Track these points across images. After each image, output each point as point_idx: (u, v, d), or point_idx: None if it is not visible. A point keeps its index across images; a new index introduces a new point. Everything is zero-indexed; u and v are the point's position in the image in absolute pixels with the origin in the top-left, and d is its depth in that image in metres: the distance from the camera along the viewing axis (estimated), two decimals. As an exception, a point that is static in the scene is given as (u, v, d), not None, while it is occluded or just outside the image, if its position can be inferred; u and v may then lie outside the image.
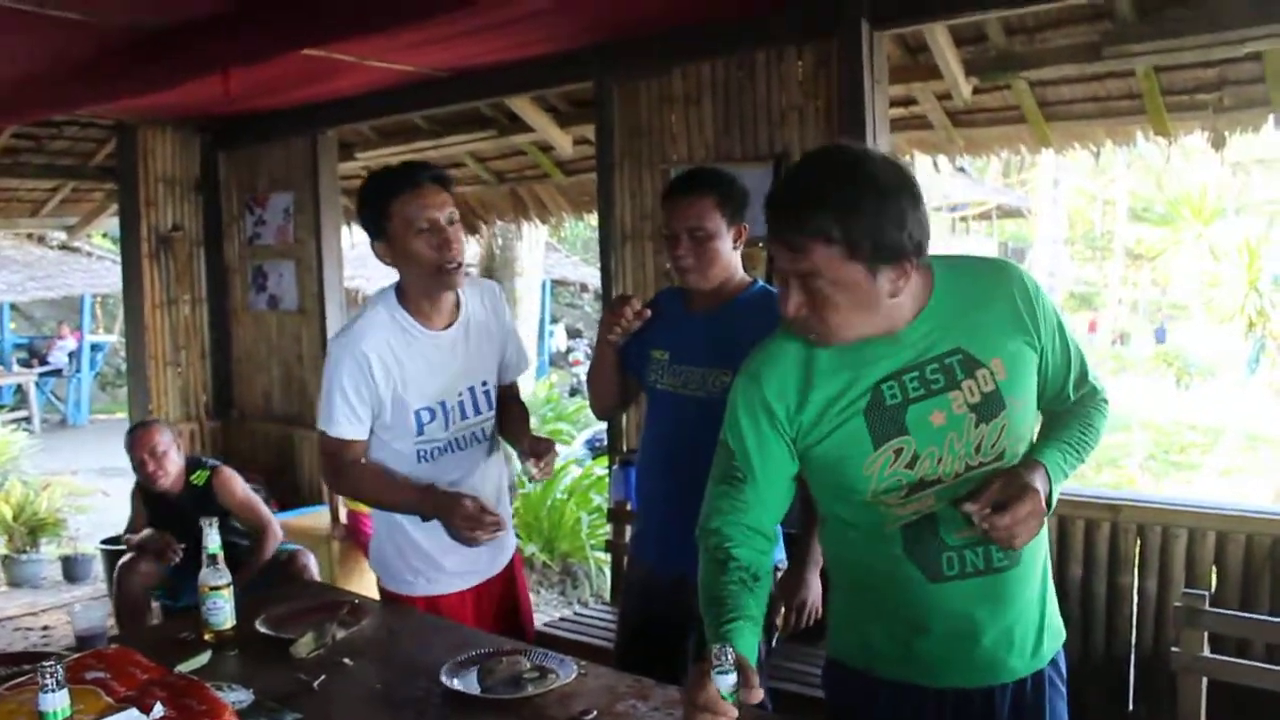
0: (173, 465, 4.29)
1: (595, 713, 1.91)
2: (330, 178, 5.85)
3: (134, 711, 1.60)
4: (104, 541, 5.94)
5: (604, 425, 5.24)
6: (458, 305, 2.59)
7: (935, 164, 5.56)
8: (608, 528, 4.57)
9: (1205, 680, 2.61)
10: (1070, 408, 1.81)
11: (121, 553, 4.58)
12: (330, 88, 5.17)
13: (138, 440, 4.32)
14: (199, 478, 4.34)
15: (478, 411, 2.62)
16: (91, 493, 8.97)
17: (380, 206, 2.42)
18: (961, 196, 20.11)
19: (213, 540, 2.35)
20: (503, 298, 2.78)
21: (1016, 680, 1.78)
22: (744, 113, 4.21)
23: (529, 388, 9.59)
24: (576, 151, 5.93)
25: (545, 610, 6.41)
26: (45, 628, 5.65)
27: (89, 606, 2.37)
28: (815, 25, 3.92)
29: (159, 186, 6.16)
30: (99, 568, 6.58)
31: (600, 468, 7.69)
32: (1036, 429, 1.81)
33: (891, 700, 1.81)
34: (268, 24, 3.51)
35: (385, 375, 2.47)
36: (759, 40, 4.11)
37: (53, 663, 1.47)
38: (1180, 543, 3.40)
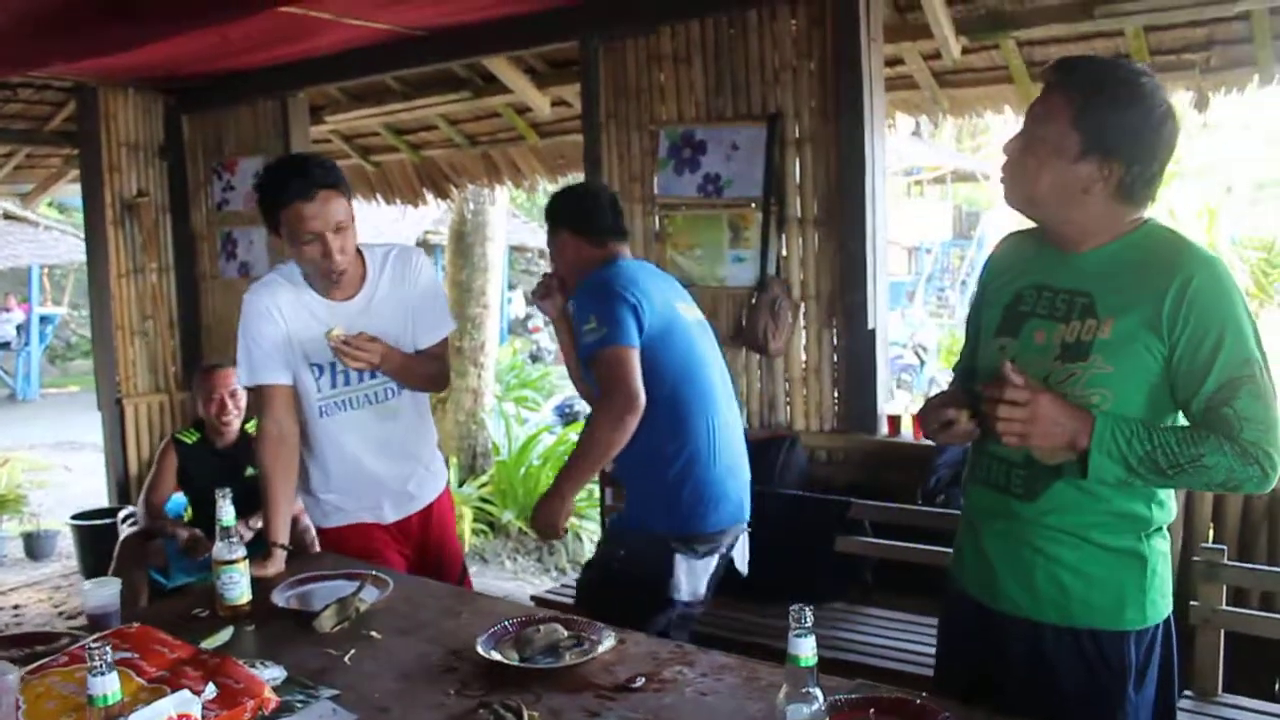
0: (243, 412, 4.19)
1: (643, 679, 1.88)
2: (303, 141, 5.70)
3: (186, 693, 1.53)
4: (74, 516, 5.79)
5: (573, 391, 5.19)
6: (363, 278, 2.71)
7: (917, 125, 5.54)
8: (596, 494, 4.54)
9: (1223, 633, 2.64)
10: (1195, 426, 1.73)
11: (101, 529, 4.46)
12: (302, 47, 5.02)
13: (219, 378, 4.17)
14: (254, 426, 4.23)
15: (374, 375, 2.71)
16: (50, 468, 8.78)
17: (274, 210, 2.56)
18: (917, 160, 20.18)
19: (226, 513, 2.29)
20: (419, 263, 2.82)
21: (1031, 621, 1.84)
22: (735, 72, 4.15)
23: (491, 355, 9.47)
24: (554, 113, 5.83)
25: (524, 578, 6.39)
26: (16, 607, 5.51)
27: (100, 583, 2.26)
28: (809, -19, 3.86)
29: (122, 151, 5.97)
30: (64, 544, 6.44)
31: (574, 434, 7.66)
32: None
33: (951, 599, 2.04)
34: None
35: (286, 328, 2.65)
36: (750, -3, 4.05)
37: (100, 644, 1.40)
38: (1179, 497, 3.42)
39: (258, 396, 2.72)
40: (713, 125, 4.22)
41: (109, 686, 1.40)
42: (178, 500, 4.43)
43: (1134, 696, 1.81)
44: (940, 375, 12.21)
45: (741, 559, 2.85)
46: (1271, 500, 3.30)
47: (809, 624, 1.44)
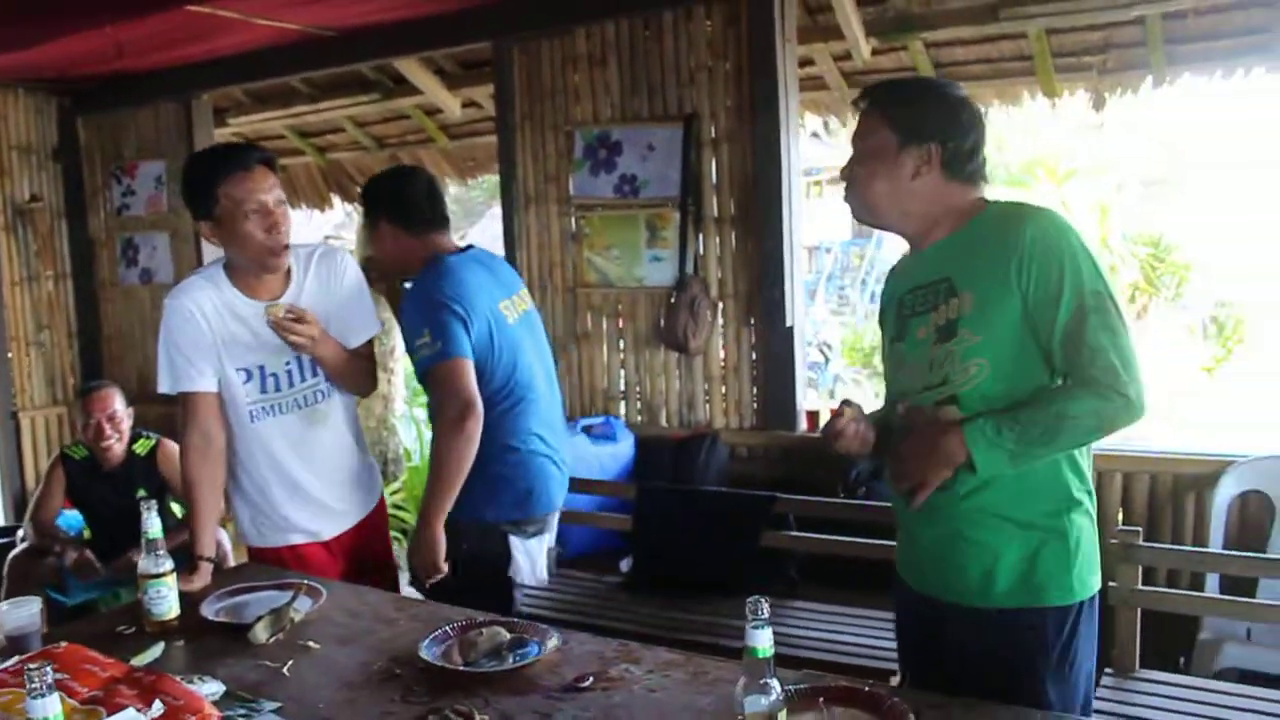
0: (125, 434, 4.05)
1: (591, 679, 1.87)
2: (206, 144, 5.52)
3: (131, 711, 1.48)
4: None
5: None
6: (288, 277, 2.63)
7: (826, 125, 5.63)
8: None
9: (1140, 611, 2.74)
10: (1063, 388, 1.81)
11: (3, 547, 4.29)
12: (207, 48, 4.89)
13: (95, 402, 4.04)
14: (142, 446, 4.11)
15: (303, 379, 2.65)
16: (-64, 486, 8.37)
17: (209, 188, 2.47)
18: (817, 161, 20.47)
19: (153, 525, 2.21)
20: (344, 262, 2.76)
21: (963, 606, 1.92)
22: (651, 73, 4.18)
23: (400, 360, 9.28)
24: (464, 115, 5.78)
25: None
26: (-93, 632, 5.24)
27: (18, 604, 2.16)
28: (724, -17, 3.90)
29: (12, 154, 5.73)
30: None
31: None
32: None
33: (898, 593, 2.11)
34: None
35: (211, 331, 2.54)
36: (665, -2, 4.07)
37: (39, 665, 1.34)
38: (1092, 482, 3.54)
39: (181, 405, 2.60)
40: (629, 126, 4.23)
41: (50, 709, 1.34)
42: (77, 517, 4.28)
43: (1060, 672, 1.87)
44: (844, 372, 12.40)
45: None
46: (1175, 484, 3.44)
47: (766, 616, 1.46)
